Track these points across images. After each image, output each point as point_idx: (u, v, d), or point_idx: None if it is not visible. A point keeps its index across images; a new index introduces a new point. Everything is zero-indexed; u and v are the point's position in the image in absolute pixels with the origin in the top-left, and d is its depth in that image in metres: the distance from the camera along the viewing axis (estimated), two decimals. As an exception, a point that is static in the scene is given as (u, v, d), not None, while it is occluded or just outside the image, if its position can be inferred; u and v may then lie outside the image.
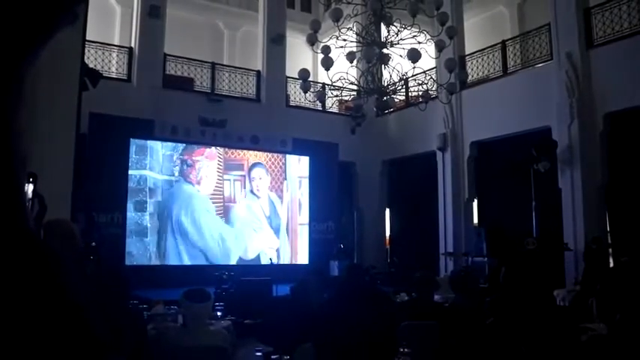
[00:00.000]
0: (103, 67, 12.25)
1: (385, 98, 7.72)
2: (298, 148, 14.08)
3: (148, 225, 12.11)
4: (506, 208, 11.83)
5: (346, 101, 11.08)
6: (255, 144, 13.58)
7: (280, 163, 14.12)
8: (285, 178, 14.16)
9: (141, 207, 12.08)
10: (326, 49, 7.17)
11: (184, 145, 12.77)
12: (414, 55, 6.83)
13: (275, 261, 12.47)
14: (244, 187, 13.52)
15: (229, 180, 13.32)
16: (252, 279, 9.56)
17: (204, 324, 3.95)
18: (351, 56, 7.35)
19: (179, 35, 14.42)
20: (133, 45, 13.23)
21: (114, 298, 3.39)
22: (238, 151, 13.54)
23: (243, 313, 7.58)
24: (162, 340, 3.81)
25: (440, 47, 7.17)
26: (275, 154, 14.03)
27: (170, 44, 13.59)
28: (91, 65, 10.44)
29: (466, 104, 12.89)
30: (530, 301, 3.74)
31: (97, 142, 10.98)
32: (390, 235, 15.43)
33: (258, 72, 14.79)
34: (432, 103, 8.33)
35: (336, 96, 8.36)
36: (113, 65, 13.10)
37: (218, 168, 13.20)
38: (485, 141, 12.58)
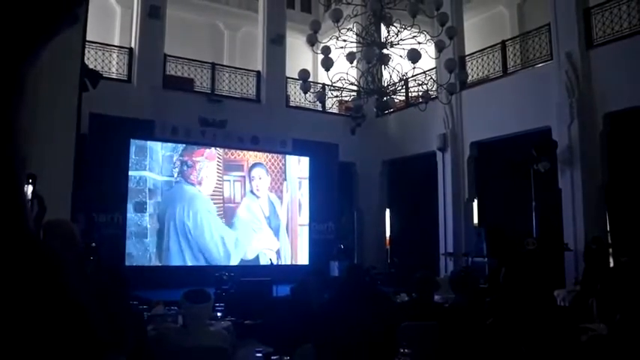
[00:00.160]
0: (103, 68, 12.26)
1: (385, 99, 7.72)
2: (298, 149, 14.08)
3: (148, 226, 12.11)
4: (507, 209, 11.83)
5: (346, 102, 11.08)
6: (255, 144, 13.58)
7: (280, 164, 14.12)
8: (285, 179, 14.16)
9: (141, 208, 12.08)
10: (326, 50, 7.16)
11: (184, 145, 12.76)
12: (413, 56, 6.83)
13: (275, 262, 12.47)
14: (244, 188, 13.52)
15: (229, 181, 13.32)
16: (252, 279, 9.56)
17: (204, 325, 3.95)
18: (351, 57, 7.35)
19: (179, 36, 14.43)
20: (133, 45, 13.24)
21: (114, 298, 3.39)
22: (238, 151, 13.54)
23: (243, 313, 7.58)
24: (162, 341, 3.81)
25: (440, 47, 7.18)
26: (275, 155, 14.02)
27: (170, 45, 13.59)
28: (91, 66, 10.45)
29: (466, 104, 12.90)
30: (531, 301, 3.74)
31: (97, 142, 10.98)
32: (390, 236, 15.43)
33: (258, 72, 14.79)
34: (431, 103, 8.32)
35: (336, 96, 8.36)
36: (113, 66, 13.10)
37: (218, 169, 13.20)
38: (486, 141, 12.58)
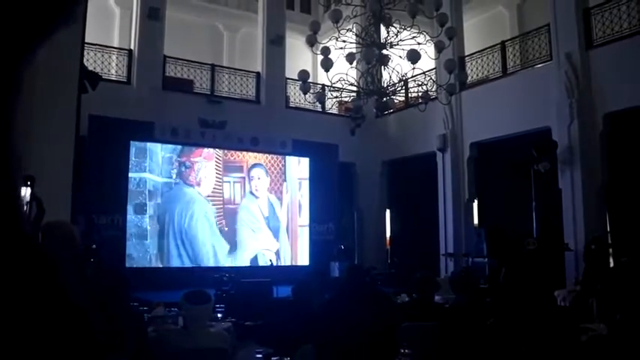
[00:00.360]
0: (102, 70, 12.26)
1: (385, 99, 7.73)
2: (298, 150, 14.08)
3: (148, 227, 12.11)
4: (507, 209, 11.82)
5: (346, 102, 11.10)
6: (255, 145, 13.58)
7: (280, 165, 14.12)
8: (285, 180, 14.16)
9: (141, 209, 12.08)
10: (325, 51, 7.17)
11: (182, 146, 12.77)
12: (413, 56, 6.84)
13: (275, 263, 12.47)
14: (244, 189, 13.52)
15: (229, 182, 13.32)
16: (252, 280, 9.56)
17: (204, 326, 3.95)
18: (350, 57, 7.36)
19: (178, 37, 14.42)
20: (132, 47, 13.24)
21: (114, 300, 3.39)
22: (238, 152, 13.54)
23: (243, 314, 7.58)
24: (162, 343, 3.81)
25: (439, 48, 7.18)
26: (274, 156, 14.02)
27: (170, 46, 13.59)
28: (90, 67, 10.46)
29: (466, 105, 12.90)
30: (531, 301, 3.74)
31: (96, 144, 10.98)
32: (390, 236, 15.43)
33: (258, 73, 14.79)
34: (431, 103, 8.33)
35: (336, 97, 8.37)
36: (113, 67, 13.10)
37: (218, 170, 13.20)
38: (485, 141, 12.58)
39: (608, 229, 10.09)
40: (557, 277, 9.77)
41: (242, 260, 13.07)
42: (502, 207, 12.00)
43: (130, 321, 3.47)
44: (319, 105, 11.51)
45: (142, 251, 12.02)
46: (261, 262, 13.13)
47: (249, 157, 13.66)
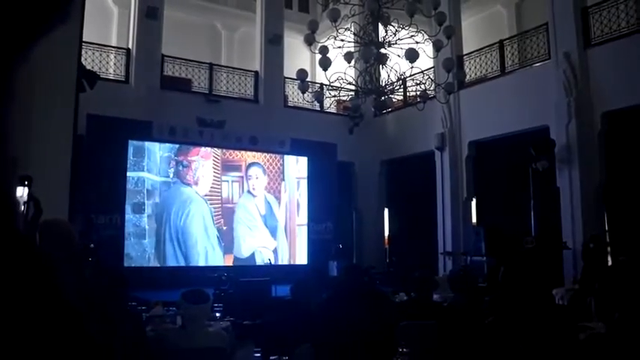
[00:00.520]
0: (100, 69, 12.23)
1: (383, 98, 7.72)
2: (296, 149, 14.07)
3: (147, 227, 12.10)
4: (505, 208, 11.83)
5: (344, 101, 11.08)
6: (253, 145, 13.57)
7: (278, 164, 14.11)
8: (284, 179, 14.16)
9: (139, 209, 12.07)
10: (324, 50, 7.17)
11: (179, 145, 12.76)
12: (411, 55, 6.84)
13: (273, 261, 12.46)
14: (242, 189, 13.52)
15: (227, 181, 13.32)
16: (250, 280, 9.56)
17: (202, 325, 3.94)
18: (348, 56, 7.35)
19: (177, 36, 14.39)
20: (130, 46, 13.22)
21: (112, 299, 3.38)
22: (236, 152, 13.53)
23: (242, 314, 7.58)
24: (161, 342, 3.80)
25: (438, 47, 7.19)
26: (273, 155, 14.01)
27: (168, 45, 13.57)
28: (88, 67, 10.43)
29: (464, 104, 12.90)
30: (529, 300, 3.74)
31: (94, 143, 10.97)
32: (388, 235, 15.43)
33: (256, 73, 14.78)
34: (429, 102, 8.33)
35: (334, 96, 8.36)
36: (111, 66, 13.08)
37: (216, 169, 13.19)
38: (484, 140, 12.59)
39: (606, 228, 10.10)
40: (556, 276, 9.78)
41: (239, 257, 13.07)
42: (500, 206, 12.01)
43: (128, 320, 3.47)
44: (317, 104, 11.52)
45: (140, 250, 12.02)
46: (259, 260, 13.15)
47: (248, 157, 13.66)
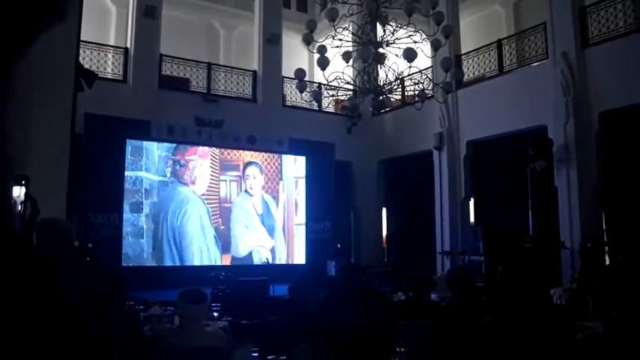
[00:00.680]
0: (98, 68, 12.21)
1: (381, 98, 7.72)
2: (295, 148, 14.07)
3: (144, 226, 12.09)
4: (503, 207, 11.84)
5: (342, 101, 11.07)
6: (251, 144, 13.57)
7: (276, 164, 14.11)
8: (282, 179, 14.16)
9: (137, 208, 12.07)
10: (322, 49, 7.16)
11: (176, 144, 12.75)
12: (409, 55, 6.83)
13: (270, 260, 12.46)
14: (240, 188, 13.52)
15: (225, 181, 13.31)
16: (248, 279, 9.55)
17: (200, 325, 3.94)
18: (347, 56, 7.34)
19: (175, 35, 14.38)
20: (128, 45, 13.20)
21: (110, 298, 3.38)
22: (234, 151, 13.53)
23: (240, 313, 7.57)
24: (158, 342, 3.80)
25: (436, 46, 7.18)
26: (271, 155, 14.02)
27: (166, 45, 13.55)
28: (86, 66, 10.42)
29: (462, 103, 12.91)
30: (527, 299, 3.74)
31: (92, 143, 10.97)
32: (386, 235, 15.44)
33: (254, 72, 14.77)
34: (428, 102, 8.32)
35: (332, 96, 8.36)
36: (109, 66, 13.06)
37: (214, 168, 13.18)
38: (482, 140, 12.60)
39: (604, 227, 10.11)
40: (554, 275, 9.79)
41: (237, 257, 13.07)
42: (498, 205, 12.02)
43: (125, 320, 3.46)
44: (316, 104, 11.49)
45: (138, 250, 12.01)
46: (256, 259, 13.15)
47: (246, 156, 13.65)
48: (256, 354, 3.26)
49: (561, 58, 10.49)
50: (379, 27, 7.56)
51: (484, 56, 12.83)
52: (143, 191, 12.17)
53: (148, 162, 12.30)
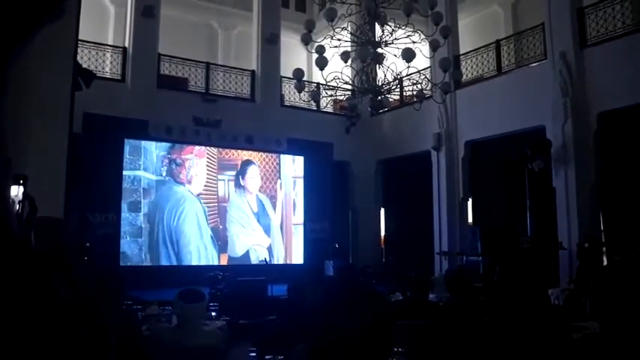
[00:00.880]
0: (96, 67, 12.20)
1: (379, 98, 7.72)
2: (293, 148, 14.08)
3: (143, 225, 12.08)
4: (501, 208, 11.85)
5: (341, 101, 11.09)
6: (249, 144, 13.57)
7: (275, 163, 14.11)
8: (280, 178, 14.16)
9: (135, 207, 12.06)
10: (320, 49, 7.16)
11: (173, 143, 12.75)
12: (408, 55, 6.83)
13: (268, 259, 12.46)
14: (237, 186, 13.53)
15: (223, 180, 13.31)
16: (246, 279, 9.54)
17: (198, 324, 3.94)
18: (345, 56, 7.35)
19: (173, 35, 14.37)
20: (127, 45, 13.18)
21: (107, 298, 3.38)
22: (232, 151, 13.53)
23: (237, 313, 7.57)
24: (156, 341, 3.80)
25: (434, 47, 7.18)
26: (269, 154, 14.02)
27: (164, 44, 13.54)
28: (84, 65, 10.42)
29: (461, 104, 12.92)
30: (525, 300, 3.75)
31: (90, 142, 10.96)
32: (385, 235, 15.44)
33: (253, 72, 14.77)
34: (426, 102, 8.33)
35: (331, 96, 8.36)
36: (107, 65, 13.04)
37: (211, 167, 13.18)
38: (480, 140, 12.60)
39: (602, 228, 10.13)
40: (551, 276, 9.81)
41: (234, 256, 13.06)
42: (496, 206, 12.03)
43: (123, 320, 3.46)
44: (314, 103, 11.48)
45: (136, 249, 12.00)
46: (253, 258, 13.16)
47: (244, 156, 13.66)
48: (254, 354, 3.26)
49: (560, 58, 10.51)
50: (378, 27, 7.55)
51: (482, 57, 12.84)
52: (141, 190, 12.16)
53: (146, 161, 12.30)
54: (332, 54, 7.29)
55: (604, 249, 9.77)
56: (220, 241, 13.01)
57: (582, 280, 7.90)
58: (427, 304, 4.70)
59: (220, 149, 13.34)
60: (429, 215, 13.34)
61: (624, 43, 9.72)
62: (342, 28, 7.31)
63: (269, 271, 10.41)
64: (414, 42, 7.18)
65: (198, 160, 13.02)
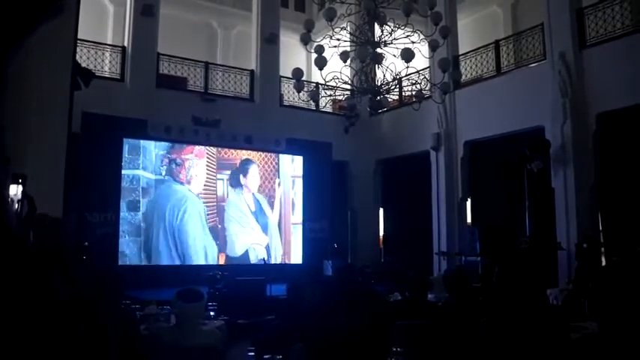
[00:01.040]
0: (95, 67, 12.19)
1: (379, 98, 7.72)
2: (292, 148, 14.08)
3: (142, 225, 12.07)
4: (500, 208, 11.85)
5: (340, 101, 11.08)
6: (248, 144, 13.57)
7: (273, 163, 14.11)
8: (279, 178, 14.15)
9: (134, 207, 12.04)
10: (319, 49, 7.16)
11: (172, 143, 12.74)
12: (407, 55, 6.83)
13: (265, 258, 12.46)
14: (235, 185, 13.53)
15: (222, 180, 13.31)
16: (245, 279, 9.55)
17: (196, 324, 3.94)
18: (344, 56, 7.34)
19: (172, 34, 14.36)
20: (126, 44, 13.17)
21: (105, 297, 3.37)
22: (232, 150, 13.53)
23: (236, 313, 7.57)
24: (154, 341, 3.80)
25: (433, 47, 7.18)
26: (268, 154, 14.02)
27: (163, 43, 13.53)
28: (83, 64, 10.40)
29: (460, 104, 12.92)
30: (523, 300, 3.75)
31: (89, 141, 10.94)
32: (383, 235, 15.43)
33: (252, 71, 14.77)
34: (425, 102, 8.33)
35: (330, 95, 8.36)
36: (106, 65, 13.04)
37: (210, 167, 13.17)
38: (479, 140, 12.61)
39: (601, 228, 10.13)
40: (550, 276, 9.81)
41: (233, 255, 13.05)
42: (495, 206, 12.04)
43: (121, 319, 3.46)
44: (313, 103, 11.49)
45: (134, 249, 11.99)
46: (252, 257, 13.16)
47: (243, 155, 13.65)
48: (252, 353, 3.26)
49: (559, 59, 10.51)
50: (377, 27, 7.55)
51: (482, 57, 12.84)
52: (140, 190, 12.16)
53: (145, 160, 12.29)
54: (331, 54, 7.29)
55: (603, 249, 9.78)
56: (219, 240, 13.01)
57: (581, 280, 7.90)
58: (426, 304, 4.70)
59: (220, 149, 13.34)
60: (428, 215, 13.34)
61: (623, 43, 9.72)
62: (342, 28, 7.31)
63: (268, 270, 10.42)
64: (413, 42, 7.19)
65: (198, 160, 13.02)
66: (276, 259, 13.75)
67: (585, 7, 10.57)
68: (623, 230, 9.42)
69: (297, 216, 14.29)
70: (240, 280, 9.38)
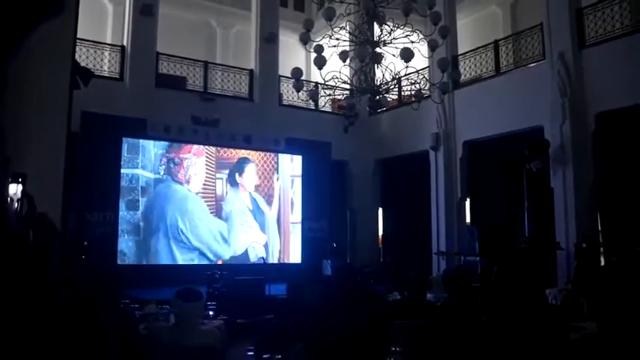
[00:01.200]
0: (95, 66, 12.18)
1: (378, 97, 7.72)
2: (291, 147, 14.08)
3: (141, 224, 12.07)
4: (499, 208, 11.86)
5: (339, 100, 11.07)
6: (248, 143, 13.57)
7: (273, 162, 14.11)
8: (278, 177, 14.15)
9: (133, 206, 12.04)
10: (319, 48, 7.16)
11: (171, 142, 12.75)
12: (406, 55, 6.83)
13: (265, 257, 12.46)
14: (234, 184, 13.54)
15: (221, 179, 13.31)
16: (244, 278, 9.55)
17: (195, 323, 3.94)
18: (343, 55, 7.34)
19: (172, 34, 14.36)
20: (125, 43, 13.17)
21: (104, 297, 3.37)
22: (231, 150, 13.52)
23: (235, 312, 7.57)
24: (154, 340, 3.80)
25: (433, 47, 7.18)
26: (267, 153, 14.02)
27: (163, 43, 13.53)
28: (82, 64, 10.39)
29: (459, 104, 12.92)
30: (522, 300, 3.75)
31: (89, 140, 10.94)
32: (382, 235, 15.42)
33: (251, 71, 14.76)
34: (424, 102, 8.32)
35: (329, 95, 8.36)
36: (105, 64, 13.03)
37: (209, 166, 13.17)
38: (478, 140, 12.61)
39: (600, 228, 10.14)
40: (549, 276, 9.82)
41: (234, 254, 13.06)
42: (494, 206, 12.04)
43: (119, 318, 3.46)
44: (312, 103, 11.49)
45: (134, 248, 11.99)
46: (252, 256, 13.17)
47: (242, 154, 13.65)
48: (251, 353, 3.26)
49: (558, 59, 10.51)
50: (376, 27, 7.55)
51: (481, 57, 12.85)
52: (139, 189, 12.15)
53: (144, 160, 12.29)
54: (330, 53, 7.29)
55: (602, 249, 9.79)
56: (227, 239, 13.03)
57: (580, 280, 7.91)
58: (425, 304, 4.70)
59: (219, 148, 13.34)
60: (427, 215, 13.34)
61: (623, 43, 9.72)
62: (341, 28, 7.31)
63: (267, 270, 10.42)
64: (412, 42, 7.19)
65: (196, 160, 13.01)
66: (274, 256, 13.73)
67: (585, 7, 10.57)
68: (623, 230, 9.42)
69: (296, 215, 14.29)
70: (239, 280, 9.38)
